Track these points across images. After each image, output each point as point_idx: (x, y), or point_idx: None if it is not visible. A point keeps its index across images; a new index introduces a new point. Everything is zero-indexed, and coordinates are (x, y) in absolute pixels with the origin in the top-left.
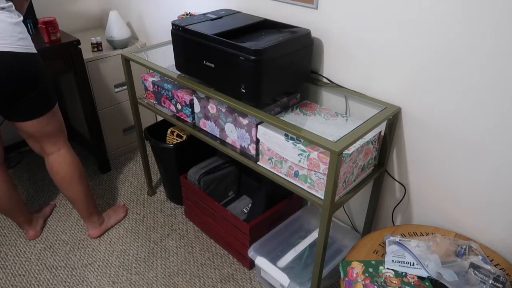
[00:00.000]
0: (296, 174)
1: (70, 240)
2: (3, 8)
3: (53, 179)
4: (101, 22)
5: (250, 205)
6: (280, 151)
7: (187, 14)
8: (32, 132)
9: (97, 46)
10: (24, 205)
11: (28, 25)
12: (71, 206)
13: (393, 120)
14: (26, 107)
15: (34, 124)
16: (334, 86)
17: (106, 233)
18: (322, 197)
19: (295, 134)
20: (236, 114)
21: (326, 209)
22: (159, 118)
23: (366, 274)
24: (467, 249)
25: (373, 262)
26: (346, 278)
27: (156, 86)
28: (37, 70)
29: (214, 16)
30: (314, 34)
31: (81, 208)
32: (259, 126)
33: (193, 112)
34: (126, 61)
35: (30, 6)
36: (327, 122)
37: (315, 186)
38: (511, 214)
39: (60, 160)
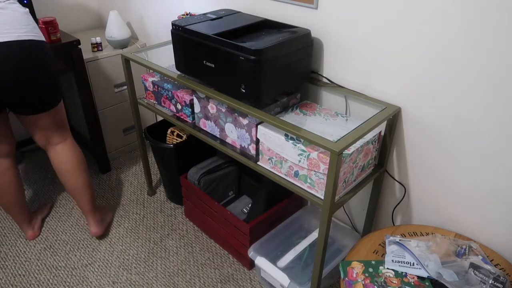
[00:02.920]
0: (296, 174)
1: (70, 240)
2: None
3: (59, 170)
4: (101, 22)
5: (250, 205)
6: (280, 151)
7: (187, 14)
8: (45, 124)
9: (97, 46)
10: (26, 203)
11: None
12: (71, 206)
13: (393, 120)
14: (43, 97)
15: (48, 115)
16: (334, 86)
17: (105, 233)
18: (322, 197)
19: (295, 134)
20: (236, 114)
21: (326, 209)
22: (159, 118)
23: (366, 274)
24: (467, 249)
25: (373, 262)
26: (346, 278)
27: (156, 86)
28: (52, 57)
29: (214, 16)
30: (314, 34)
31: (86, 201)
32: (259, 126)
33: (193, 112)
34: (126, 61)
35: (30, 6)
36: (327, 122)
37: (315, 186)
38: (511, 214)
39: (67, 149)
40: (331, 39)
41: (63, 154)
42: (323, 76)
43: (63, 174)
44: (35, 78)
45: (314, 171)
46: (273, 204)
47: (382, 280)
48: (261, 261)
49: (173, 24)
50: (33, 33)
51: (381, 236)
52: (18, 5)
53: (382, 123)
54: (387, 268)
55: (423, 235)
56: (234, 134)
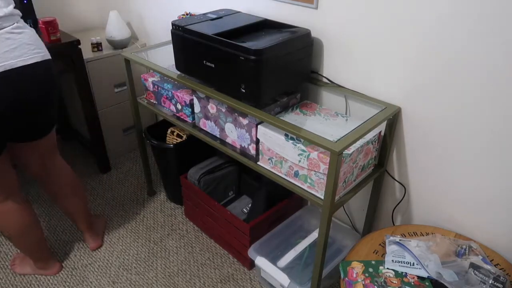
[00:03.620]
0: (296, 174)
1: (70, 240)
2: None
3: (58, 193)
4: (101, 22)
5: (250, 205)
6: (280, 151)
7: (187, 14)
8: (46, 145)
9: (97, 46)
10: (45, 241)
11: (28, 25)
12: None
13: (393, 120)
14: (49, 119)
15: (49, 137)
16: (334, 86)
17: (106, 233)
18: (322, 197)
19: (295, 134)
20: (236, 114)
21: (326, 209)
22: (159, 118)
23: (366, 274)
24: (467, 249)
25: (373, 262)
26: (346, 278)
27: (156, 86)
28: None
29: (214, 16)
30: (314, 34)
31: (83, 219)
32: (259, 126)
33: (193, 112)
34: (126, 61)
35: (30, 6)
36: (327, 122)
37: (315, 186)
38: (511, 214)
39: (63, 167)
40: (331, 39)
41: (59, 178)
42: (323, 76)
43: (63, 198)
44: (53, 97)
45: (314, 171)
46: (273, 204)
47: (382, 280)
48: (261, 261)
49: (173, 24)
50: (47, 52)
51: (381, 236)
52: (27, 26)
53: (382, 123)
54: (387, 268)
55: (423, 235)
56: (234, 134)
